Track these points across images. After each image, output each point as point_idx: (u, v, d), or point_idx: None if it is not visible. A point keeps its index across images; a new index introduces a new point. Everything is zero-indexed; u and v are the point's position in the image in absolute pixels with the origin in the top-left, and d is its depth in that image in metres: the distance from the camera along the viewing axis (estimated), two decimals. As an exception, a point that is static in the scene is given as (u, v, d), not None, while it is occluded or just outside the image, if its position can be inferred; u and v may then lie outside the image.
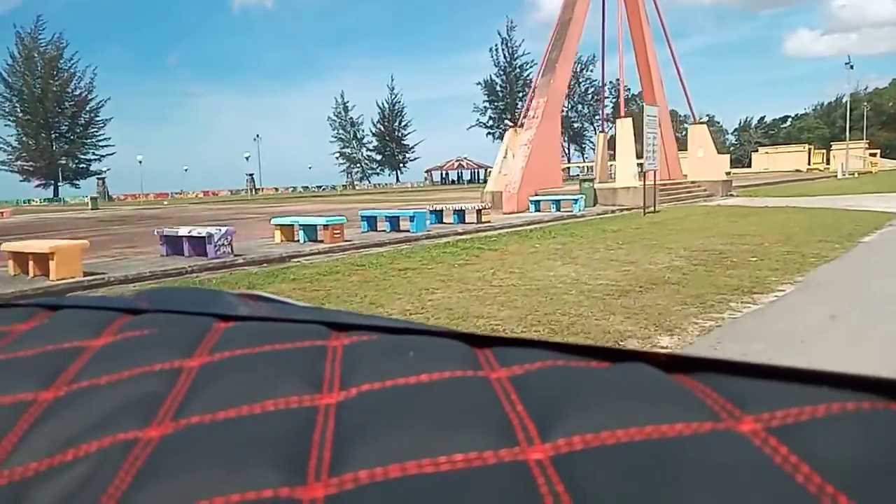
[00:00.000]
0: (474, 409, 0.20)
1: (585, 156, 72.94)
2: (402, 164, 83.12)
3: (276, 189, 77.74)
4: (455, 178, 77.04)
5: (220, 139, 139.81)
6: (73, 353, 0.27)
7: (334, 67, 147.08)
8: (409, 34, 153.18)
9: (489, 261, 8.47)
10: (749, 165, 65.31)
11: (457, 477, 0.17)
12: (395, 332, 0.27)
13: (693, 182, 22.33)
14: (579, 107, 75.33)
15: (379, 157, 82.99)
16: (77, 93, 67.71)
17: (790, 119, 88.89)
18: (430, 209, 13.96)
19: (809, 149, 61.08)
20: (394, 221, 12.00)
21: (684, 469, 0.16)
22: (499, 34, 74.80)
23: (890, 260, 7.27)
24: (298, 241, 10.52)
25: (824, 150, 61.41)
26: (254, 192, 68.38)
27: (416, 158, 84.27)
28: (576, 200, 15.95)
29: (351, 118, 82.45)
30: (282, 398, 0.22)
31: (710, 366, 0.21)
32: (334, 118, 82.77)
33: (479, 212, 13.12)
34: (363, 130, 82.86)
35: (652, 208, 14.87)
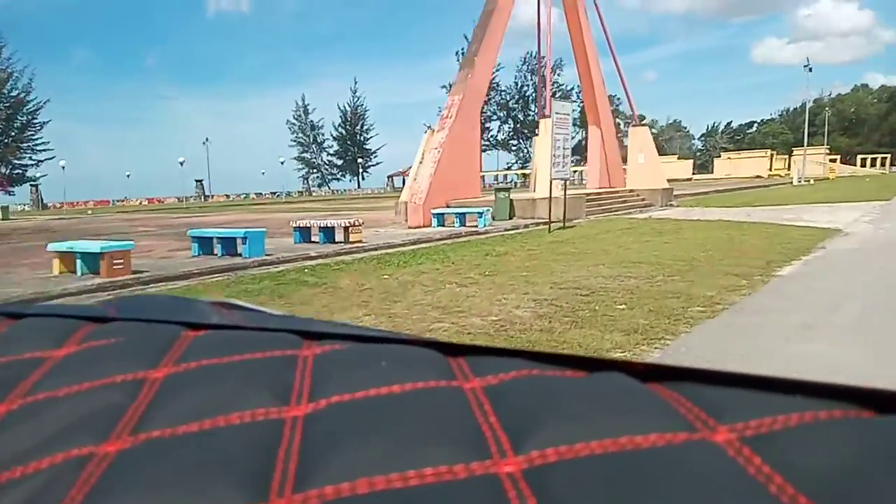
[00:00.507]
0: (446, 420, 0.20)
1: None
2: (363, 170, 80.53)
3: (228, 196, 74.28)
4: (418, 184, 74.79)
5: (180, 143, 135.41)
6: (31, 365, 0.25)
7: (304, 73, 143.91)
8: (376, 40, 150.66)
9: (287, 306, 6.28)
10: (712, 171, 64.23)
11: (426, 492, 0.17)
12: (368, 340, 0.26)
13: (631, 191, 20.29)
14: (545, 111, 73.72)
15: (340, 162, 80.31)
16: (14, 94, 63.87)
17: (756, 124, 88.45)
18: (295, 226, 11.73)
19: (771, 154, 60.02)
20: (228, 243, 9.72)
21: (658, 480, 0.16)
22: (465, 38, 72.67)
23: (797, 312, 5.20)
24: (76, 273, 8.18)
25: (787, 156, 60.50)
26: (203, 199, 64.96)
27: (378, 163, 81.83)
28: (480, 214, 13.75)
29: (311, 122, 79.61)
30: (248, 410, 0.21)
31: (687, 375, 0.21)
32: (294, 122, 79.89)
33: (346, 230, 10.89)
34: (324, 134, 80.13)
35: (561, 224, 12.77)
